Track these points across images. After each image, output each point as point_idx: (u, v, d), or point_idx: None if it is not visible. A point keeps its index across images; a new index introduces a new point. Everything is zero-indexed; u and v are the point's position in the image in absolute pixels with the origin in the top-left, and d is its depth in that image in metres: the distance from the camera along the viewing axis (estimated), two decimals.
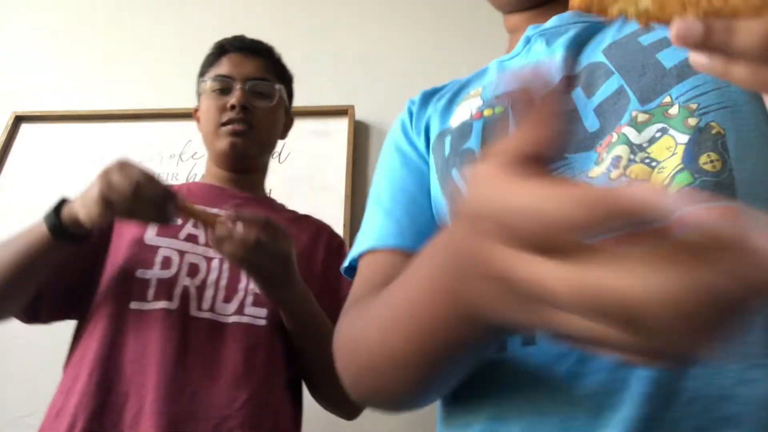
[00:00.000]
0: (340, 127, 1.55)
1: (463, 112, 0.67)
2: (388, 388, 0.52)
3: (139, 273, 0.92)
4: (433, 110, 0.72)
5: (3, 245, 0.88)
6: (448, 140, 0.65)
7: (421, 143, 0.71)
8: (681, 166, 0.49)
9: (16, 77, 1.71)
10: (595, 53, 0.60)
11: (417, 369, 0.46)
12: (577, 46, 0.61)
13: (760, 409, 0.43)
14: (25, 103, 1.65)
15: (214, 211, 1.02)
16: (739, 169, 0.48)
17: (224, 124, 1.07)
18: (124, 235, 0.97)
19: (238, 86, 1.07)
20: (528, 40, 0.68)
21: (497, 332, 0.40)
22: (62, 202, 0.87)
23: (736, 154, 0.48)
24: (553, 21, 0.67)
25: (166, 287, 0.92)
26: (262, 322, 0.94)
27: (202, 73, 1.14)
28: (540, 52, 0.65)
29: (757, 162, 0.48)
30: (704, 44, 0.28)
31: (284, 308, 0.93)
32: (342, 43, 1.70)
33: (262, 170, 1.18)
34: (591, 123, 0.57)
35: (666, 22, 0.29)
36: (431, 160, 0.69)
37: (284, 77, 1.17)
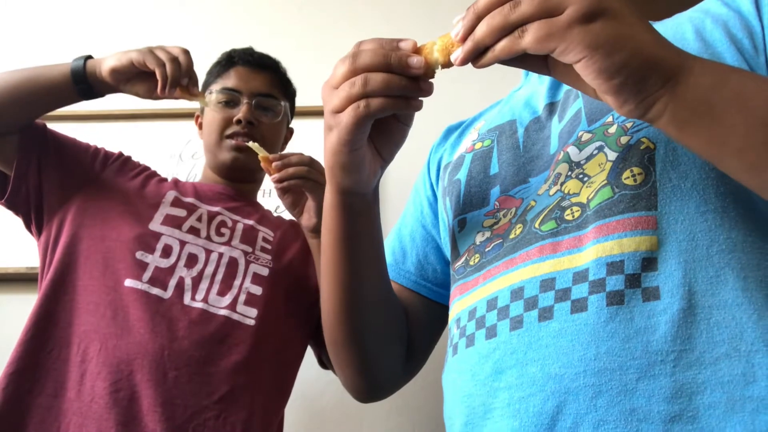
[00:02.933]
0: None
1: (465, 144, 0.74)
2: (333, 330, 0.66)
3: (139, 255, 0.95)
4: (448, 144, 0.79)
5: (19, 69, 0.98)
6: (448, 171, 0.72)
7: (431, 178, 0.79)
8: (605, 181, 0.53)
9: None
10: None
11: (339, 285, 0.62)
12: None
13: (662, 401, 0.44)
14: None
15: (216, 209, 1.04)
16: (663, 179, 0.51)
17: (228, 137, 1.09)
18: (125, 216, 0.99)
19: (245, 101, 1.09)
20: (527, 73, 0.74)
21: (355, 201, 0.58)
22: (89, 56, 0.97)
23: (663, 167, 0.52)
24: None
25: (162, 276, 0.95)
26: (251, 322, 0.97)
27: (208, 83, 1.15)
28: (534, 82, 0.71)
29: (684, 172, 0.51)
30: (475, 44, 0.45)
31: None
32: (343, 44, 1.70)
33: (258, 181, 1.21)
34: (554, 147, 0.62)
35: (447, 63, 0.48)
36: (439, 189, 0.76)
37: (289, 93, 1.19)
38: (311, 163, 0.97)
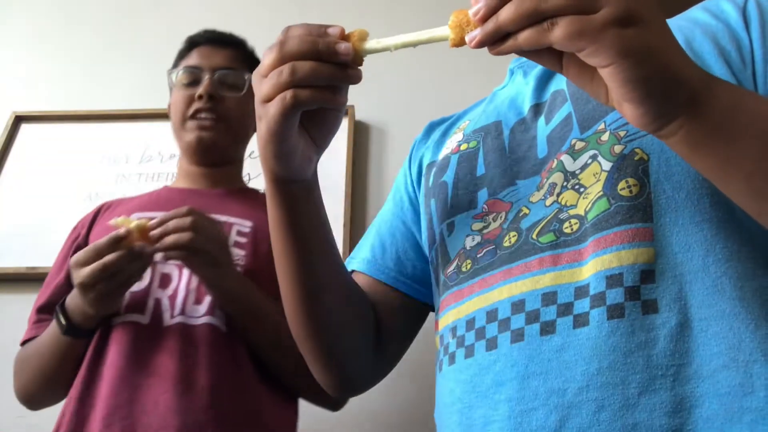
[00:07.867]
0: (340, 127, 1.55)
1: (450, 145, 0.73)
2: (296, 325, 0.65)
3: None
4: (431, 141, 0.78)
5: (27, 359, 0.93)
6: (432, 172, 0.72)
7: (412, 174, 0.78)
8: (601, 192, 0.53)
9: (16, 77, 1.71)
10: (560, 82, 0.64)
11: (292, 276, 0.61)
12: (547, 77, 0.67)
13: (663, 416, 0.45)
14: (25, 103, 1.64)
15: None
16: (657, 191, 0.51)
17: (192, 117, 1.04)
18: None
19: (206, 76, 1.05)
20: (512, 72, 0.74)
21: (290, 184, 0.57)
22: (63, 303, 0.88)
23: (657, 178, 0.51)
24: None
25: (137, 300, 0.90)
26: (225, 328, 0.91)
27: (174, 67, 1.12)
28: (519, 82, 0.71)
29: (678, 182, 0.51)
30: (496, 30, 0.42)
31: (226, 296, 0.89)
32: None
33: (236, 162, 1.15)
34: (541, 150, 0.61)
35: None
36: (421, 188, 0.75)
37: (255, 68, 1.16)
38: (196, 228, 0.83)
